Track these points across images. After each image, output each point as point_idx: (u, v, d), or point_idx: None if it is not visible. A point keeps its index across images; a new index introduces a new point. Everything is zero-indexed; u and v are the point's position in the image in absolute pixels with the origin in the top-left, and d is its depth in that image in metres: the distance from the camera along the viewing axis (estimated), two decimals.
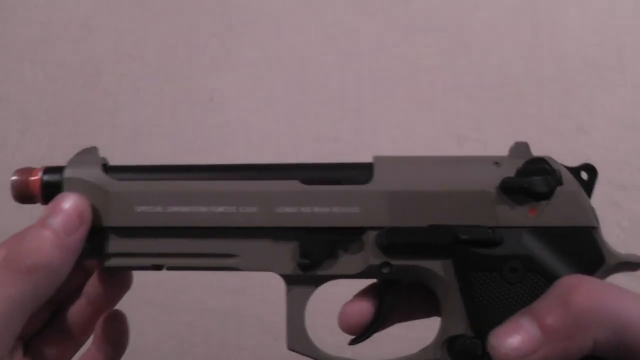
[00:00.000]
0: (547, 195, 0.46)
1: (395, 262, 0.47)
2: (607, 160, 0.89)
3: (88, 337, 0.53)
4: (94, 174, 0.49)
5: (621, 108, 0.91)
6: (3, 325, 0.44)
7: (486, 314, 0.45)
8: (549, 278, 0.45)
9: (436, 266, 0.47)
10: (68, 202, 0.47)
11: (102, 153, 0.52)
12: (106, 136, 0.95)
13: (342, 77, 0.95)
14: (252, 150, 0.92)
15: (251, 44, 0.97)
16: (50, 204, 0.47)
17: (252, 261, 0.48)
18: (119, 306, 0.54)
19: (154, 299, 0.87)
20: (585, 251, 0.46)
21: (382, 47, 0.96)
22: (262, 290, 0.86)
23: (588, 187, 0.48)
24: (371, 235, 0.47)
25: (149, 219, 0.48)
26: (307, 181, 0.48)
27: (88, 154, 0.50)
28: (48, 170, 0.49)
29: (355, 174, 0.48)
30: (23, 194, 0.49)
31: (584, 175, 0.48)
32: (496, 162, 0.48)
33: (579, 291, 0.41)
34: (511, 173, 0.47)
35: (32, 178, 0.49)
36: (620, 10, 0.93)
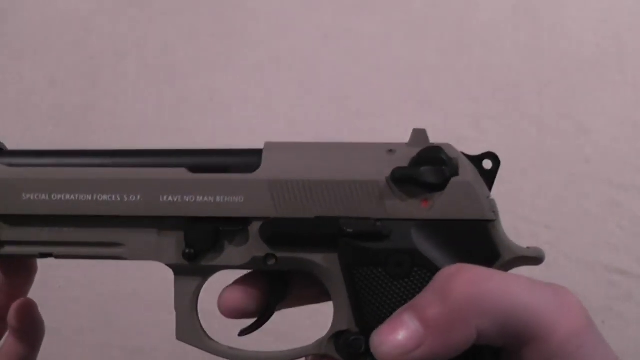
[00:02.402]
0: (439, 187, 0.44)
1: (280, 254, 0.46)
2: (607, 160, 0.89)
3: (4, 327, 0.53)
4: None
5: (621, 108, 0.91)
6: None
7: (370, 310, 0.44)
8: (436, 273, 0.42)
9: (322, 259, 0.45)
10: None
11: None
12: (106, 136, 0.95)
13: (342, 77, 0.95)
14: None
15: (251, 44, 0.97)
16: None
17: (138, 251, 0.47)
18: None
19: (154, 299, 0.87)
20: (478, 246, 0.44)
21: (382, 47, 0.96)
22: None
23: (490, 176, 0.46)
24: (256, 226, 0.46)
25: (35, 206, 0.47)
26: (194, 169, 0.47)
27: None
28: None
29: (244, 161, 0.47)
30: None
31: (488, 164, 0.46)
32: (391, 149, 0.46)
33: (457, 280, 0.39)
34: (405, 162, 0.45)
35: None
36: (620, 10, 0.93)
